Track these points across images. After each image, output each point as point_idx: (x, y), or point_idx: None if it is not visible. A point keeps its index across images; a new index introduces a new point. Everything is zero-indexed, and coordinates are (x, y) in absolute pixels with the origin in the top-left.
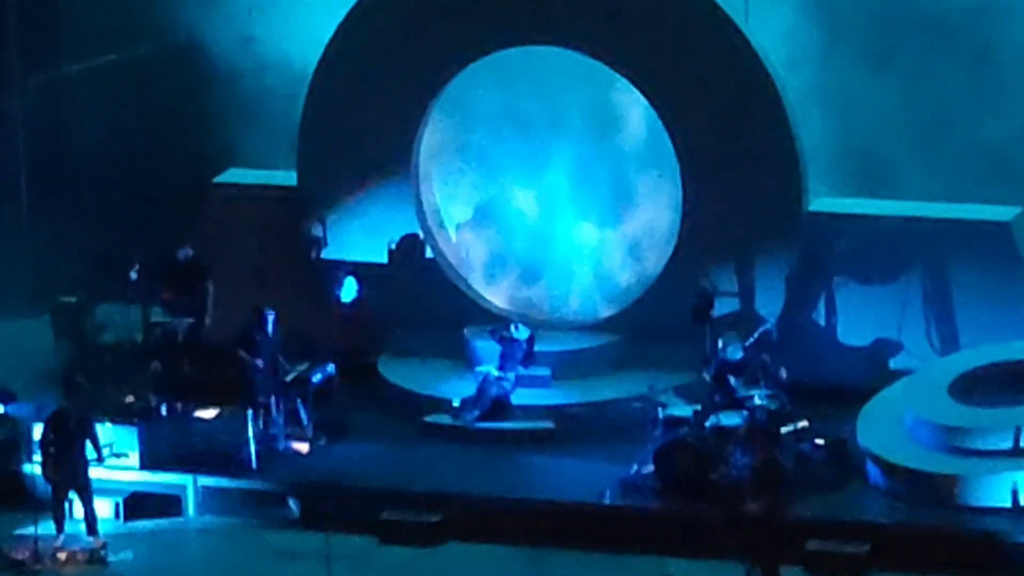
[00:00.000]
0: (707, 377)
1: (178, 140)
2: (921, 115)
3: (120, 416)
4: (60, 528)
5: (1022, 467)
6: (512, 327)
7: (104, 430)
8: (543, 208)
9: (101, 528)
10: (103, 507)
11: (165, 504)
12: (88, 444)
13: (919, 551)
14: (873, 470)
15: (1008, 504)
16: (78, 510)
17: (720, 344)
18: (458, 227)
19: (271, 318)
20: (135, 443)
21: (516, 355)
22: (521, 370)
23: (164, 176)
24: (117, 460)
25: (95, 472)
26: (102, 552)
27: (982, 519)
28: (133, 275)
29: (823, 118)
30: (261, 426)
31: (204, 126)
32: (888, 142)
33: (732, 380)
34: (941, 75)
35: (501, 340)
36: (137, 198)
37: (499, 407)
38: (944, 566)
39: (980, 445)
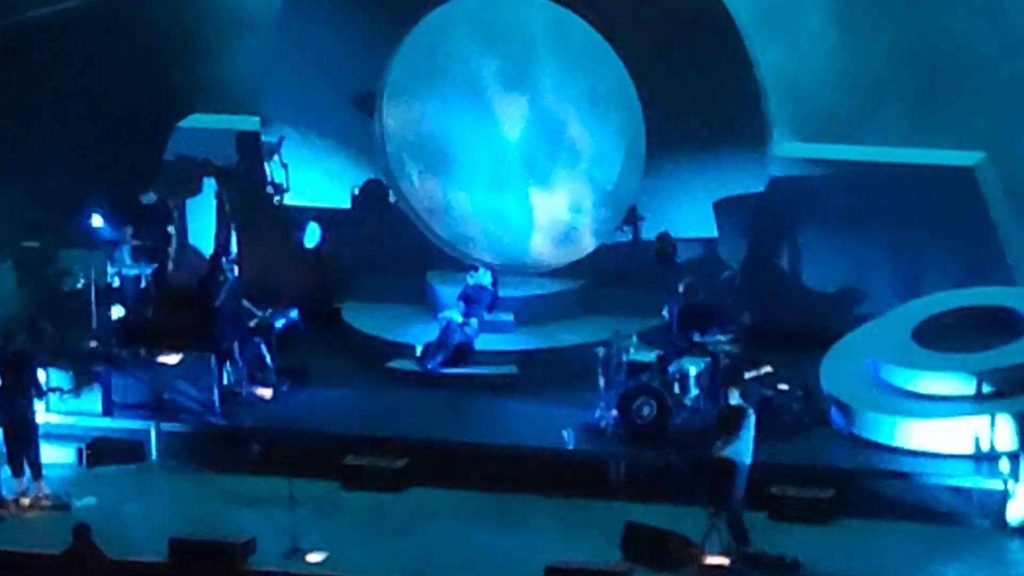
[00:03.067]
0: (665, 315)
1: (142, 85)
2: (887, 61)
3: (83, 361)
4: (17, 472)
5: (985, 412)
6: (474, 271)
7: (67, 376)
8: (507, 154)
9: (65, 474)
10: (65, 453)
11: (129, 449)
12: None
13: (883, 496)
14: (837, 415)
15: (971, 450)
16: (44, 456)
17: (682, 288)
18: (421, 173)
19: (232, 265)
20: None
21: (482, 300)
22: (486, 315)
23: (128, 121)
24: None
25: (58, 418)
26: (65, 498)
27: (944, 464)
28: (98, 221)
29: (789, 62)
30: (226, 372)
31: (168, 71)
32: (855, 87)
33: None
34: (909, 22)
35: (466, 288)
36: (101, 143)
37: (463, 353)
38: (905, 511)
39: (944, 391)
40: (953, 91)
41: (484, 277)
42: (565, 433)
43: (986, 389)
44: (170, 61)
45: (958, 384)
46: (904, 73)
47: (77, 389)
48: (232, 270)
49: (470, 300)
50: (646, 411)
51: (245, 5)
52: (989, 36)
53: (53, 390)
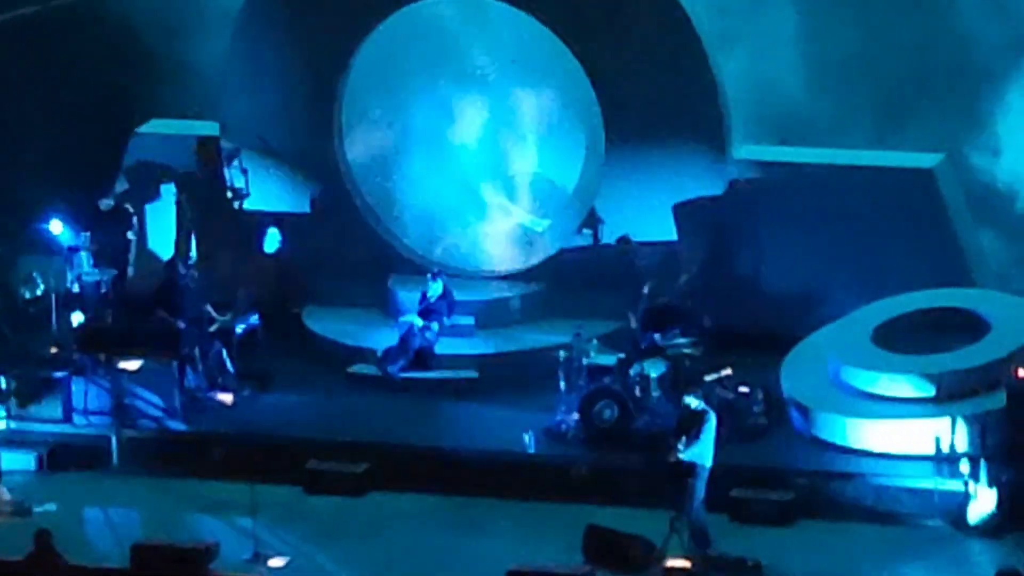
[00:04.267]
0: (633, 323)
1: (101, 91)
2: (843, 62)
3: (44, 367)
4: None
5: (945, 414)
6: (432, 279)
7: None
8: (467, 159)
9: (25, 480)
10: (26, 459)
11: (89, 455)
12: None
13: (844, 498)
14: (798, 417)
15: (931, 452)
16: (4, 462)
17: (645, 291)
18: (381, 176)
19: (192, 271)
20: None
21: (440, 305)
22: (446, 320)
23: (87, 127)
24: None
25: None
26: (26, 504)
27: (905, 466)
28: (57, 226)
29: (746, 66)
30: (186, 377)
31: (127, 76)
32: (821, 91)
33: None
34: (874, 25)
35: (426, 303)
36: (59, 148)
37: (423, 357)
38: (866, 513)
39: (904, 392)
40: (918, 93)
41: (438, 287)
42: (526, 437)
43: (946, 391)
44: (130, 67)
45: (918, 386)
46: (870, 76)
47: (35, 394)
48: (192, 276)
49: (429, 310)
50: (607, 414)
51: (204, 11)
52: (953, 38)
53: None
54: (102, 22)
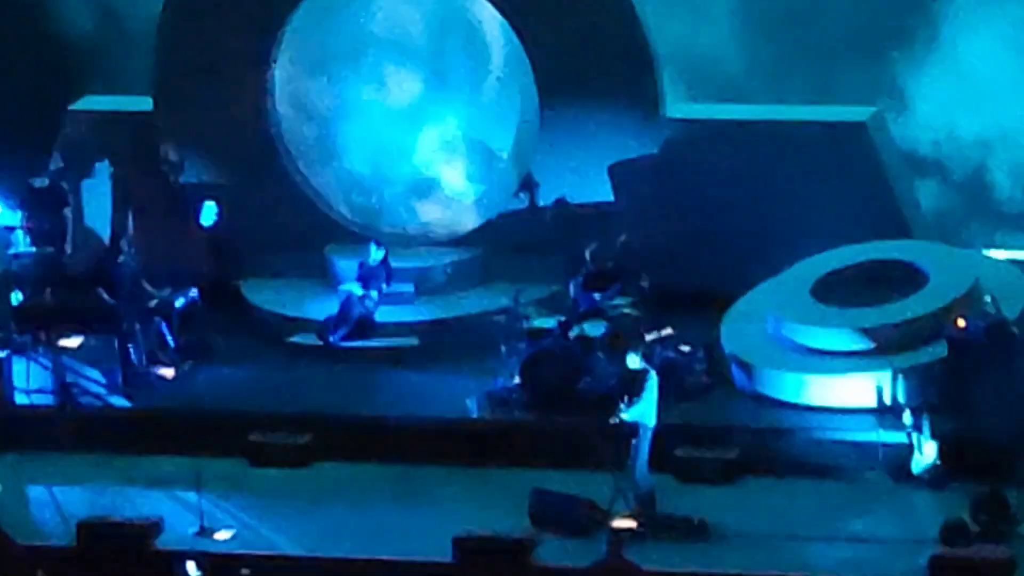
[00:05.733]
0: (573, 291)
1: (32, 67)
2: (777, 17)
3: None
4: None
5: (886, 367)
6: (375, 245)
7: None
8: (401, 125)
9: None
10: None
11: (32, 434)
12: None
13: (788, 454)
14: (739, 375)
15: (873, 404)
16: None
17: (587, 256)
18: (316, 145)
19: (130, 247)
20: None
21: (379, 273)
22: (384, 287)
23: (19, 104)
24: None
25: None
26: None
27: (848, 420)
28: None
29: (679, 24)
30: (127, 353)
31: (60, 52)
32: (747, 47)
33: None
34: None
35: (363, 269)
36: None
37: (364, 326)
38: (811, 468)
39: (843, 346)
40: (853, 47)
41: (377, 255)
42: (469, 402)
43: (886, 343)
44: (63, 43)
45: (858, 339)
46: (804, 31)
47: None
48: (130, 252)
49: (368, 278)
50: (548, 377)
51: None
52: None
53: None
54: None
